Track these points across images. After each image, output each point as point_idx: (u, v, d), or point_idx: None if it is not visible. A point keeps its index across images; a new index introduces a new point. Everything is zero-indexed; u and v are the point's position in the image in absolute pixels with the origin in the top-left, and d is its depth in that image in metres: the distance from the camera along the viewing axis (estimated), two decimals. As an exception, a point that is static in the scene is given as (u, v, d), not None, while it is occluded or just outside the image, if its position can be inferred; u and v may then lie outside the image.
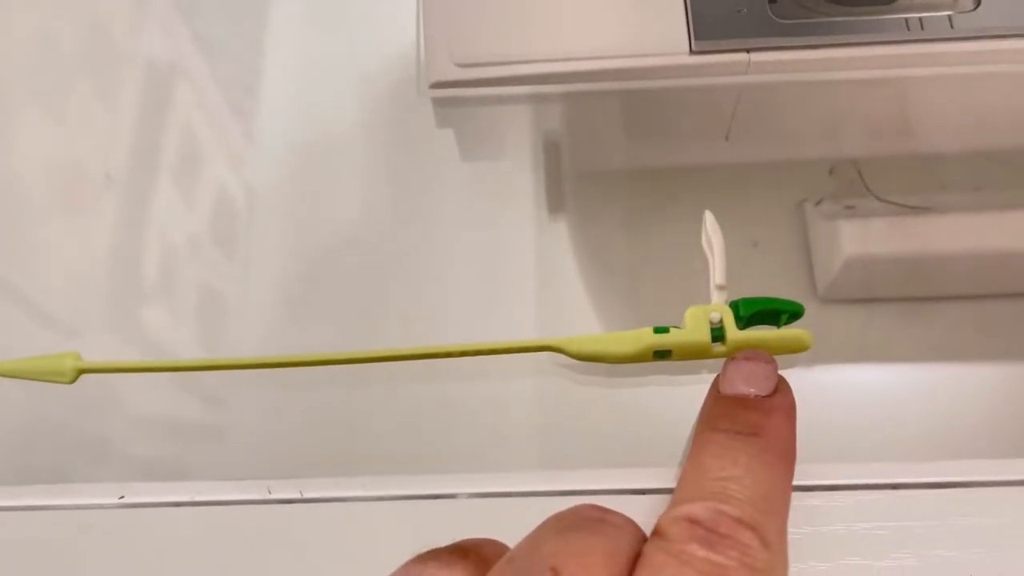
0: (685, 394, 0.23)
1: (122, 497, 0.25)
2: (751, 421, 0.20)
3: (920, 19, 0.29)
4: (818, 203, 0.36)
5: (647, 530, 0.18)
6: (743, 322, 0.23)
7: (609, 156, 0.37)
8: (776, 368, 0.21)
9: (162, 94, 0.39)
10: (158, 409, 0.34)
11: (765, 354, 0.22)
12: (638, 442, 0.30)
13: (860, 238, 0.33)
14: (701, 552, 0.16)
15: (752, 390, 0.21)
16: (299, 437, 0.33)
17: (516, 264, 0.35)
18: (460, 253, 0.36)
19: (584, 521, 0.17)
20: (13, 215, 0.37)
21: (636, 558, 0.17)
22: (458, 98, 0.30)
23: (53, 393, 0.31)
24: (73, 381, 0.25)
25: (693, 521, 0.17)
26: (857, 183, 0.35)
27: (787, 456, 0.20)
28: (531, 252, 0.35)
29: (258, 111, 0.39)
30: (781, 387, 0.21)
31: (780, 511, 0.19)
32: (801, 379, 0.22)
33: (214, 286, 0.36)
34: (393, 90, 0.39)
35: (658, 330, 0.24)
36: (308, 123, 0.39)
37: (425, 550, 0.18)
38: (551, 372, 0.31)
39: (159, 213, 0.37)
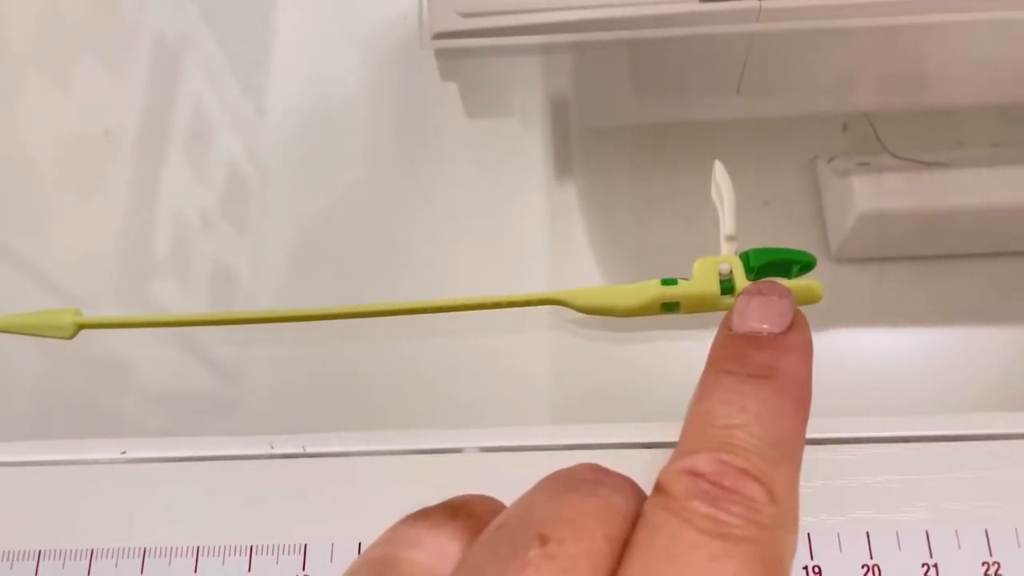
0: (697, 349, 0.23)
1: (124, 452, 0.25)
2: (763, 362, 0.18)
3: (938, -37, 0.28)
4: (831, 160, 0.35)
5: (651, 486, 0.18)
6: (753, 273, 0.23)
7: (617, 111, 0.36)
8: (792, 302, 0.20)
9: (171, 67, 0.39)
10: (164, 372, 0.33)
11: (780, 286, 0.20)
12: (647, 397, 0.30)
13: (873, 193, 0.32)
14: (703, 509, 0.15)
15: (765, 326, 0.19)
16: (307, 395, 0.33)
17: (524, 221, 0.35)
18: (468, 211, 0.35)
19: (579, 483, 0.16)
20: (25, 190, 0.37)
21: (636, 518, 0.16)
22: (461, 49, 0.29)
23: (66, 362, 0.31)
24: (72, 336, 0.25)
25: (696, 474, 0.16)
26: (871, 139, 0.35)
27: (801, 400, 0.18)
28: (539, 208, 0.35)
29: (267, 83, 0.39)
30: (797, 323, 0.19)
31: (791, 460, 0.17)
32: (813, 337, 0.22)
33: (224, 258, 0.36)
34: (401, 51, 0.38)
35: (666, 282, 0.23)
36: (317, 92, 0.38)
37: (416, 510, 0.17)
38: (559, 327, 0.31)
39: (169, 186, 0.37)
